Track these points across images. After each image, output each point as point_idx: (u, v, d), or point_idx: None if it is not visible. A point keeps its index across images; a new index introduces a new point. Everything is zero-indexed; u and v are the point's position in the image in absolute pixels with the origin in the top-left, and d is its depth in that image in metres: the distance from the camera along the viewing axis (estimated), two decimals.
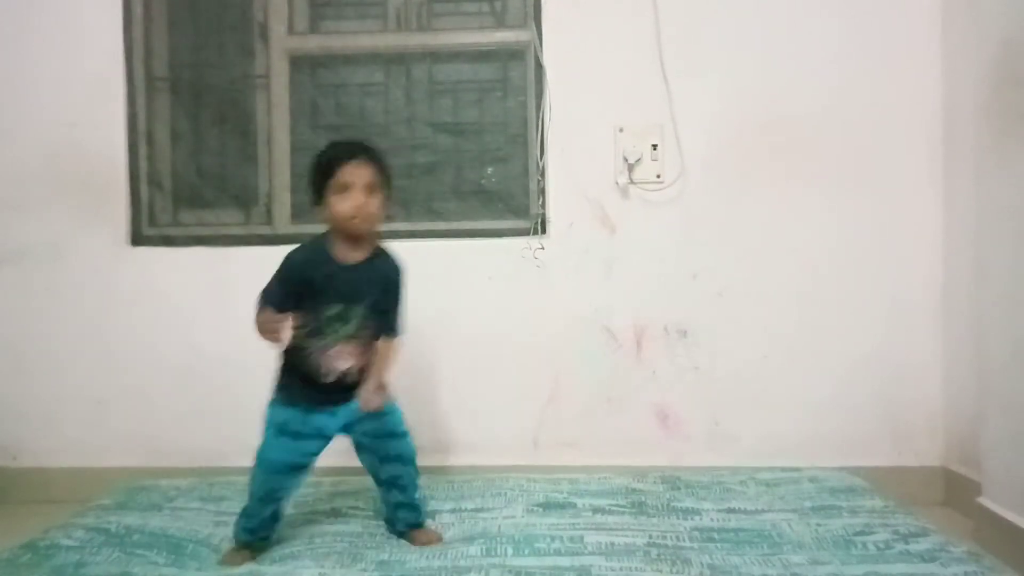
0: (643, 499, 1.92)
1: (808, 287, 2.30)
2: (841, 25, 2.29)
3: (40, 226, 2.41)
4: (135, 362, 2.40)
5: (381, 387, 1.67)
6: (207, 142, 2.52)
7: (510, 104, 2.46)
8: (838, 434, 2.29)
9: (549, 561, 1.58)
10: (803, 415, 2.30)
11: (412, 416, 2.34)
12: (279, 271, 1.64)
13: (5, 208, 2.41)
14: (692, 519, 1.81)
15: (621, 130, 2.31)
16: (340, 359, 1.64)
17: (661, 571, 1.54)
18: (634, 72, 2.31)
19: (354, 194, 1.60)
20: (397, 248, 2.35)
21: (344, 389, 1.66)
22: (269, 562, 1.63)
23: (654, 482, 2.03)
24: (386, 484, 1.74)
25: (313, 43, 2.50)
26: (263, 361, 2.35)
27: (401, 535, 1.74)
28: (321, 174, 1.63)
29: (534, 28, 2.38)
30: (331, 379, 1.64)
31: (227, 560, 1.67)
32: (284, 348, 1.65)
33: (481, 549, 1.64)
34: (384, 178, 1.66)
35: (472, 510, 1.89)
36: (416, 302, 2.35)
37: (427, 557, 1.61)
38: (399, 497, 1.74)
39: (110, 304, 2.40)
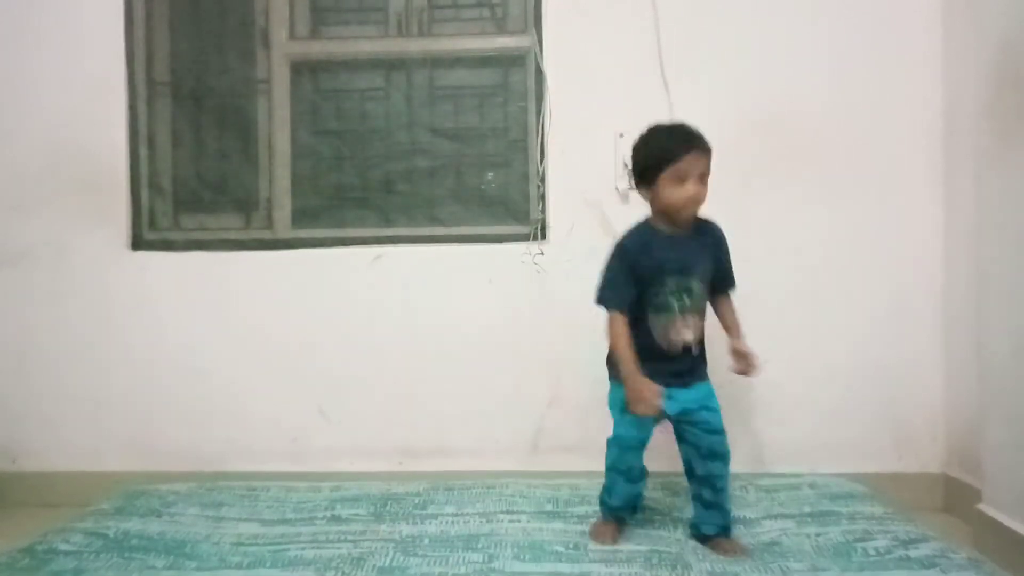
0: (645, 504, 1.91)
1: (808, 291, 2.30)
2: (841, 27, 2.29)
3: (40, 229, 2.41)
4: (134, 366, 2.40)
5: (745, 345, 1.74)
6: (208, 146, 2.52)
7: (510, 109, 2.46)
8: (838, 440, 2.29)
9: (549, 567, 1.58)
10: (803, 420, 2.30)
11: (411, 420, 2.37)
12: (613, 262, 1.73)
13: (6, 210, 2.41)
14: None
15: (621, 135, 2.31)
16: (685, 330, 1.69)
17: None
18: (634, 77, 2.32)
19: (690, 184, 1.64)
20: (397, 252, 2.39)
21: (682, 367, 1.70)
22: (270, 565, 1.62)
23: (654, 487, 2.02)
24: (700, 481, 1.73)
25: (314, 48, 2.50)
26: (262, 365, 2.38)
27: (703, 541, 1.72)
28: (656, 159, 1.67)
29: (534, 34, 2.38)
30: (677, 351, 1.69)
31: (596, 533, 1.75)
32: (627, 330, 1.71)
33: (482, 555, 1.64)
34: (709, 163, 1.69)
35: (472, 515, 1.88)
36: (417, 306, 2.37)
37: (427, 563, 1.61)
38: (711, 497, 1.72)
39: (110, 308, 2.40)
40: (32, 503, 2.31)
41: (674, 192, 1.65)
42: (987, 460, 1.91)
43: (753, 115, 2.30)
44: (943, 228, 2.28)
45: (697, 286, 1.70)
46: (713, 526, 1.73)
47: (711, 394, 1.74)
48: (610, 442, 1.77)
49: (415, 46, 2.48)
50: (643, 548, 1.67)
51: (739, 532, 1.77)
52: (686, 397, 1.70)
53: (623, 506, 1.79)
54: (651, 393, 1.63)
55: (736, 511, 1.88)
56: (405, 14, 2.48)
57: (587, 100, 2.34)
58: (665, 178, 1.66)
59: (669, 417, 1.71)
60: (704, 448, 1.71)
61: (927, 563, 1.56)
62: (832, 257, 2.30)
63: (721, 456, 1.72)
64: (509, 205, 2.45)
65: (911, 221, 2.29)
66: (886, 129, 2.29)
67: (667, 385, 1.67)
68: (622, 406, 1.69)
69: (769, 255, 2.29)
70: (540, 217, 2.37)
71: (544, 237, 2.36)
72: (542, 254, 2.34)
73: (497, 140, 2.47)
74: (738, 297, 2.30)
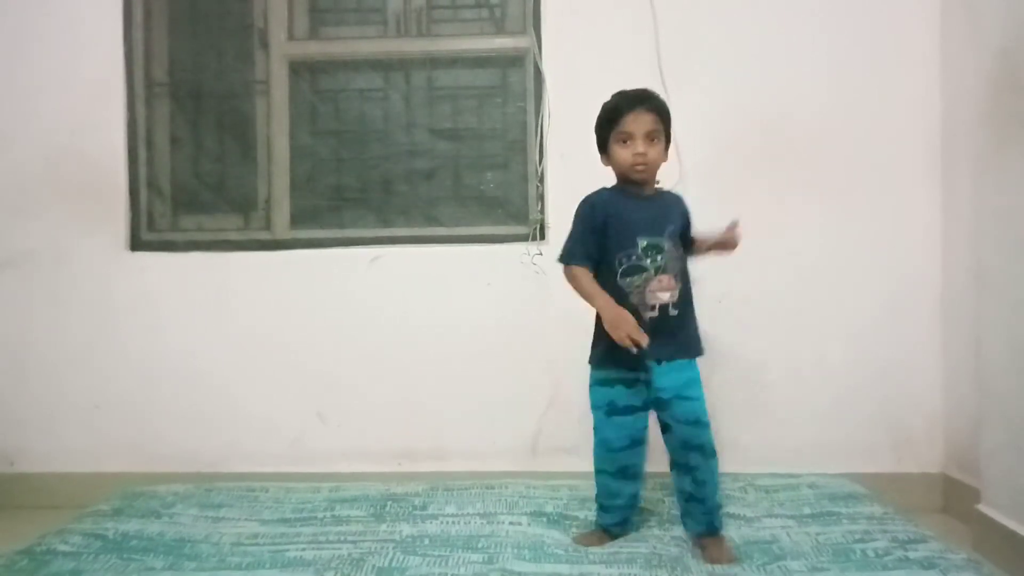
0: (643, 505, 1.91)
1: (807, 293, 2.30)
2: (840, 33, 2.30)
3: (40, 231, 2.41)
4: (133, 367, 2.40)
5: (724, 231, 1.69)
6: (207, 147, 2.52)
7: (509, 110, 2.47)
8: (838, 440, 2.29)
9: (550, 568, 1.58)
10: (802, 421, 2.30)
11: (410, 421, 2.37)
12: (578, 221, 1.70)
13: (6, 212, 2.41)
14: None
15: None
16: (661, 291, 1.64)
17: None
18: (633, 79, 2.28)
19: (635, 143, 1.65)
20: (396, 253, 2.39)
21: (661, 330, 1.62)
22: (270, 566, 1.62)
23: (653, 488, 2.02)
24: (682, 471, 1.67)
25: (313, 49, 2.50)
26: (261, 366, 2.38)
27: (694, 540, 1.67)
28: (604, 124, 1.70)
29: (533, 34, 2.38)
30: (654, 314, 1.63)
31: (582, 540, 1.72)
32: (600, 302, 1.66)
33: (482, 556, 1.64)
34: (665, 125, 1.69)
35: (472, 515, 1.88)
36: (415, 307, 2.37)
37: (427, 564, 1.60)
38: (692, 489, 1.66)
39: (109, 309, 2.40)
40: (30, 505, 2.30)
41: (620, 153, 1.67)
42: (986, 461, 1.91)
43: (752, 117, 2.30)
44: (941, 230, 2.28)
45: (668, 246, 1.65)
46: (697, 522, 1.67)
47: (692, 381, 1.66)
48: (595, 445, 1.73)
49: (414, 47, 2.48)
50: (643, 550, 1.67)
51: (739, 531, 1.77)
52: (664, 383, 1.65)
53: (614, 512, 1.75)
54: (631, 318, 1.58)
55: (736, 511, 1.88)
56: (403, 14, 2.48)
57: (586, 100, 2.33)
58: (613, 141, 1.68)
59: (649, 406, 1.69)
60: (680, 439, 1.66)
61: (926, 564, 1.56)
62: (831, 259, 2.30)
63: (698, 448, 1.65)
64: (508, 206, 2.45)
65: (909, 223, 2.30)
66: (884, 133, 2.29)
67: (644, 356, 1.62)
68: (605, 407, 1.70)
69: (768, 256, 2.29)
70: (539, 217, 2.37)
71: (543, 238, 2.36)
72: (541, 254, 2.34)
73: (496, 141, 2.47)
74: (738, 298, 2.33)
